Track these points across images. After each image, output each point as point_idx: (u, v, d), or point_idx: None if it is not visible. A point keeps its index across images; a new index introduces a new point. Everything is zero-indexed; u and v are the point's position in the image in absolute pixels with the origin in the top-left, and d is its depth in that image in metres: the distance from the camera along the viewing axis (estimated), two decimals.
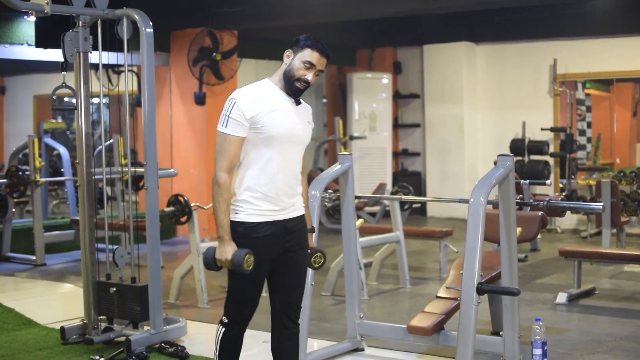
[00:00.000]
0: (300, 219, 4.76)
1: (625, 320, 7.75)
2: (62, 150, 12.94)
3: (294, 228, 4.69)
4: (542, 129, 14.61)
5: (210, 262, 4.59)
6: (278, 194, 4.59)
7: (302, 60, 4.59)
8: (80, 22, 6.74)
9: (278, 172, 4.58)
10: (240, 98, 4.54)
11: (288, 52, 4.68)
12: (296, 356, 4.91)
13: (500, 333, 6.04)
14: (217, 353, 4.78)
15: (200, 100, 12.88)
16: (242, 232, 4.53)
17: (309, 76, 4.60)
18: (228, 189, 4.50)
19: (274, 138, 4.53)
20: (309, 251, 4.84)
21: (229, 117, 4.50)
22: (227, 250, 4.46)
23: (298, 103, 4.70)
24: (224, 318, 4.74)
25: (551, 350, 6.29)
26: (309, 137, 4.84)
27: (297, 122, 4.68)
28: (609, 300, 8.65)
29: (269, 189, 4.56)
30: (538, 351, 5.79)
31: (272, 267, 4.70)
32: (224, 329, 4.73)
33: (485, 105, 15.84)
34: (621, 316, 7.93)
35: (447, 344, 6.21)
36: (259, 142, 4.53)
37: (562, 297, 8.50)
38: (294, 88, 4.62)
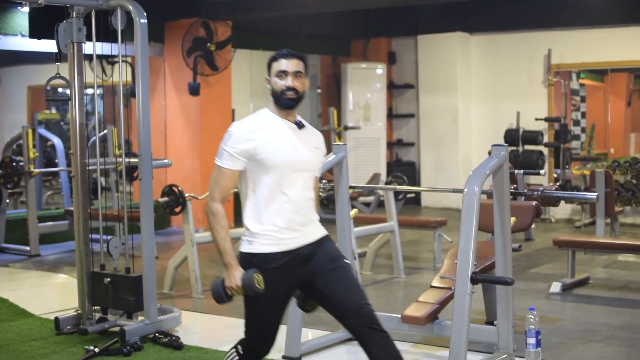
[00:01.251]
0: (318, 242, 4.59)
1: (619, 310, 7.77)
2: (56, 141, 12.91)
3: (312, 252, 4.53)
4: (536, 119, 14.62)
5: (220, 293, 4.40)
6: (290, 223, 4.46)
7: (275, 75, 4.54)
8: (74, 13, 6.73)
9: (287, 201, 4.45)
10: (237, 131, 4.45)
11: (266, 78, 4.63)
12: None
13: (495, 322, 6.05)
14: None
15: (194, 90, 12.87)
16: (256, 264, 4.41)
17: (288, 81, 4.51)
18: (224, 216, 4.42)
19: (277, 167, 4.42)
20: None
21: (224, 149, 4.44)
22: (236, 276, 4.35)
23: (300, 127, 4.59)
24: (239, 347, 4.63)
25: (545, 339, 6.30)
26: (317, 163, 4.67)
27: (300, 147, 4.54)
28: (603, 289, 8.67)
29: (279, 219, 4.44)
30: (532, 340, 5.80)
31: (311, 295, 4.60)
32: (237, 358, 4.63)
33: (480, 95, 15.84)
34: (615, 305, 7.95)
35: (441, 333, 6.23)
36: (262, 173, 4.44)
37: (556, 287, 8.52)
38: (285, 101, 4.52)
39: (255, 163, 4.42)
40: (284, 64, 4.53)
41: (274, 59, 4.58)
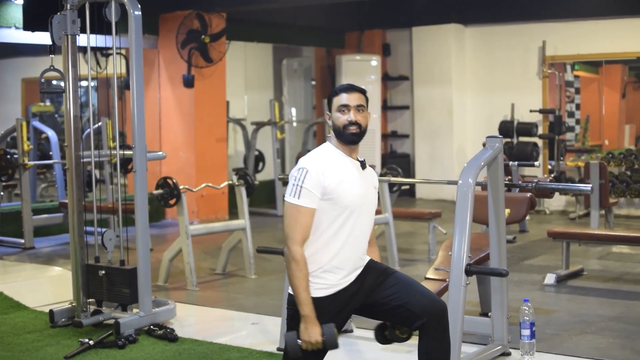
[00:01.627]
0: (362, 272, 4.48)
1: (614, 301, 7.78)
2: (51, 133, 12.89)
3: (359, 283, 4.43)
4: (530, 111, 14.61)
5: (297, 349, 4.18)
6: (346, 265, 4.37)
7: (336, 110, 4.43)
8: (68, 5, 6.71)
9: (347, 243, 4.35)
10: (312, 167, 4.29)
11: (327, 114, 4.54)
12: None
13: (489, 314, 6.06)
14: None
15: (188, 83, 12.85)
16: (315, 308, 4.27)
17: (351, 116, 4.39)
18: (306, 264, 4.23)
19: (347, 208, 4.32)
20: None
21: (302, 187, 4.25)
22: (316, 331, 4.15)
23: (363, 167, 4.50)
24: None
25: (539, 331, 6.31)
26: (376, 203, 4.60)
27: (365, 187, 4.45)
28: (597, 281, 8.68)
29: (337, 261, 4.34)
30: (526, 332, 5.82)
31: (377, 312, 4.51)
32: None
33: (474, 87, 15.83)
34: (609, 297, 7.97)
35: None
36: (329, 213, 4.31)
37: (550, 278, 8.53)
38: (348, 137, 4.41)
39: (325, 201, 4.29)
40: (345, 98, 4.43)
41: (334, 93, 4.49)
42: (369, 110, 4.55)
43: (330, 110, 4.49)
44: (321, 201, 4.27)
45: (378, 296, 4.43)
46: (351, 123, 4.39)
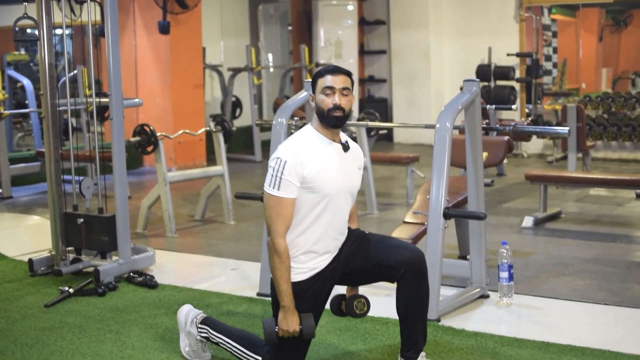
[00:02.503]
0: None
1: (591, 243, 7.84)
2: (26, 82, 12.80)
3: (337, 257, 4.42)
4: (508, 55, 14.61)
5: (274, 336, 4.23)
6: (327, 248, 4.36)
7: (320, 91, 4.33)
8: None
9: (328, 228, 4.33)
10: (290, 157, 4.22)
11: (311, 96, 4.44)
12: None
13: (467, 257, 6.10)
14: None
15: (164, 29, 12.75)
16: (294, 293, 4.27)
17: (335, 99, 4.30)
18: (288, 256, 4.21)
19: (327, 195, 4.28)
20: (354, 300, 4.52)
21: (281, 178, 4.19)
22: (294, 321, 4.18)
23: (346, 149, 4.42)
24: None
25: (517, 273, 6.36)
26: (358, 185, 4.53)
27: (347, 171, 4.40)
28: (575, 223, 8.73)
29: (319, 246, 4.33)
30: (505, 274, 5.85)
31: (355, 278, 4.52)
32: None
33: (452, 31, 15.77)
34: (586, 239, 8.02)
35: None
36: (309, 201, 4.28)
37: (528, 221, 8.57)
38: (331, 120, 4.32)
39: (305, 190, 4.26)
40: (330, 80, 4.32)
41: (319, 75, 4.39)
42: (353, 94, 4.47)
43: (314, 91, 4.40)
44: (300, 189, 4.24)
45: (355, 262, 4.44)
46: (336, 107, 4.30)
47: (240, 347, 4.56)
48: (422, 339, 4.42)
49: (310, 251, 4.32)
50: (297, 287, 4.28)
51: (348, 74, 4.39)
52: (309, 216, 4.29)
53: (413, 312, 4.37)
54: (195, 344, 4.82)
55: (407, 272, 4.31)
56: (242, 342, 4.58)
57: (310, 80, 4.53)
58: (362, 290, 4.65)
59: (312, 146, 4.31)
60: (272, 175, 4.22)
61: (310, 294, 4.33)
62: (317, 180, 4.24)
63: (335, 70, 4.36)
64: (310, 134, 4.38)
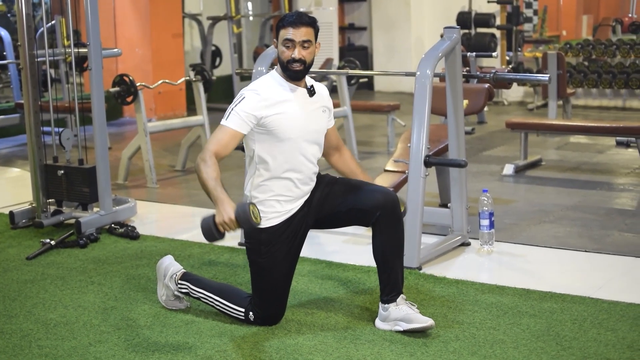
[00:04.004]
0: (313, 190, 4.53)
1: (571, 191, 7.87)
2: (4, 33, 12.67)
3: (309, 201, 4.48)
4: (488, 2, 14.55)
5: (211, 230, 4.06)
6: (296, 192, 4.40)
7: (281, 43, 4.34)
8: None
9: (296, 172, 4.38)
10: (251, 96, 4.31)
11: (274, 41, 4.45)
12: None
13: (448, 205, 6.11)
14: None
15: None
16: (265, 239, 4.35)
17: (295, 53, 4.31)
18: (215, 163, 4.19)
19: (290, 139, 4.33)
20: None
21: (233, 110, 4.29)
22: (229, 210, 4.03)
23: (312, 93, 4.45)
24: (250, 314, 4.48)
25: (498, 220, 6.37)
26: (324, 127, 4.55)
27: (310, 116, 4.43)
28: (555, 171, 8.76)
29: (288, 190, 4.38)
30: (485, 222, 5.87)
31: (329, 222, 4.58)
32: (252, 324, 4.50)
33: None
34: (567, 186, 8.05)
35: None
36: (271, 145, 4.33)
37: (509, 169, 8.59)
38: (291, 73, 4.36)
39: (265, 134, 4.31)
40: (290, 32, 4.31)
41: (281, 25, 4.37)
42: (319, 41, 4.49)
43: (277, 38, 4.41)
44: (260, 131, 4.31)
45: (329, 207, 4.49)
46: (295, 60, 4.33)
47: (222, 300, 4.57)
48: (400, 282, 4.45)
49: (280, 194, 4.38)
50: (270, 231, 4.35)
51: (311, 24, 4.39)
52: (275, 161, 4.35)
53: (390, 256, 4.40)
54: (172, 296, 4.82)
55: (382, 215, 4.34)
56: (224, 295, 4.59)
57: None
58: (338, 232, 4.66)
59: (276, 90, 4.38)
60: (229, 108, 4.33)
61: (284, 238, 4.38)
62: (276, 123, 4.30)
63: (297, 22, 4.34)
64: (275, 78, 4.45)
